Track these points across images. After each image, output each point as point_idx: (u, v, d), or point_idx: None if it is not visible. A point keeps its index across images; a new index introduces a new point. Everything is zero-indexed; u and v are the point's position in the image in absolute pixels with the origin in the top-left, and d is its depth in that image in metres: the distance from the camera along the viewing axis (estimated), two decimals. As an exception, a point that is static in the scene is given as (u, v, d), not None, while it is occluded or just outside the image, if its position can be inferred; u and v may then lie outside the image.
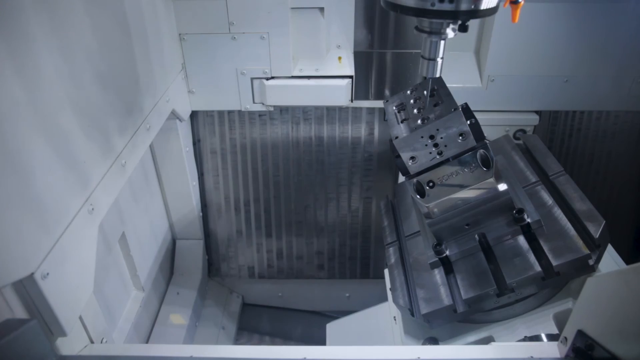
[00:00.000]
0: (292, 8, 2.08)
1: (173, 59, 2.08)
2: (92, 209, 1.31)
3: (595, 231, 1.33)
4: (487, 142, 1.42)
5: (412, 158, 1.46)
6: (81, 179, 1.28)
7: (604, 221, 1.36)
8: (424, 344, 1.48)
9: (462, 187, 1.39)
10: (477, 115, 1.52)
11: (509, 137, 1.86)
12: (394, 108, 1.66)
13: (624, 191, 2.60)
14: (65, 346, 1.20)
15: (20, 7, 1.07)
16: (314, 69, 2.20)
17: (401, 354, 1.25)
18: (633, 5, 2.05)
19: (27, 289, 1.07)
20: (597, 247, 1.33)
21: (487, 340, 1.43)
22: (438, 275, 1.48)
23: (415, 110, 1.58)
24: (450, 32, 1.31)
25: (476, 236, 1.44)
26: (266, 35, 2.09)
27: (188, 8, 2.04)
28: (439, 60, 1.38)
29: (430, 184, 1.43)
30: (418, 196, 1.43)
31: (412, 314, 1.47)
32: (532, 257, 1.35)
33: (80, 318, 1.27)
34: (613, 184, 2.59)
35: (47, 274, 1.08)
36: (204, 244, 2.73)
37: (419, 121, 1.52)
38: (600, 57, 2.15)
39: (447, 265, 1.47)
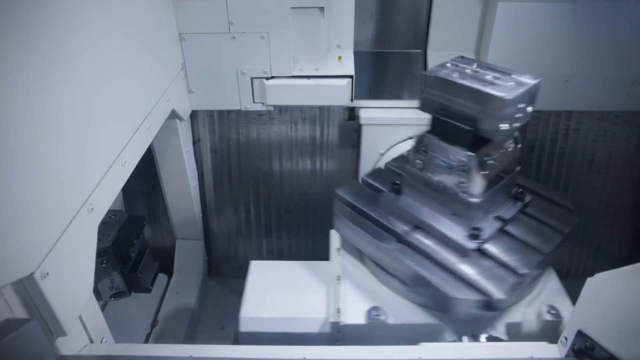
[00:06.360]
0: (292, 8, 2.07)
1: (173, 58, 2.08)
2: (92, 208, 1.31)
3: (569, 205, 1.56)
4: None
5: (506, 122, 1.34)
6: (81, 178, 1.28)
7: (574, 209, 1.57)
8: (369, 310, 1.46)
9: (501, 164, 1.49)
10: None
11: None
12: (456, 75, 1.48)
13: (624, 191, 2.60)
14: (65, 346, 1.20)
15: (20, 7, 1.07)
16: (314, 69, 2.20)
17: (402, 354, 1.25)
18: (633, 5, 2.05)
19: (27, 289, 1.06)
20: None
21: (435, 328, 1.43)
22: (477, 260, 1.45)
23: (488, 77, 1.40)
24: None
25: (495, 221, 1.53)
26: (266, 35, 2.09)
27: (188, 8, 2.04)
28: None
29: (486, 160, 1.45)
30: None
31: (488, 304, 1.36)
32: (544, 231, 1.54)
33: (80, 318, 1.27)
34: (613, 184, 2.59)
35: (47, 273, 1.08)
36: (204, 244, 2.73)
37: (511, 84, 1.36)
38: (600, 57, 2.15)
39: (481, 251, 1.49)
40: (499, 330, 1.42)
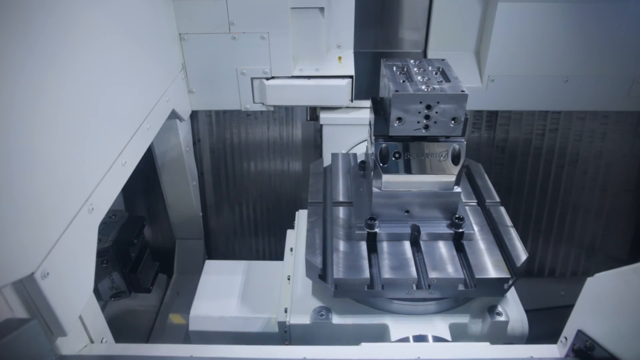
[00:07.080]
0: (292, 8, 2.08)
1: (173, 58, 2.08)
2: (92, 208, 1.31)
3: (518, 260, 1.39)
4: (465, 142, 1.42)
5: (399, 119, 1.37)
6: (81, 178, 1.28)
7: (527, 255, 1.41)
8: (315, 310, 1.46)
9: (423, 171, 1.42)
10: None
11: None
12: (394, 69, 1.56)
13: (623, 191, 2.60)
14: (65, 346, 1.20)
15: (20, 6, 1.07)
16: (314, 69, 2.20)
17: (401, 354, 1.25)
18: (633, 5, 2.05)
19: (27, 289, 1.06)
20: (514, 275, 1.38)
21: (380, 328, 1.43)
22: (360, 248, 1.46)
23: (419, 77, 1.47)
24: None
25: (409, 226, 1.47)
26: (266, 35, 2.09)
27: (188, 8, 2.04)
28: None
29: (397, 155, 1.41)
30: (381, 163, 1.41)
31: (321, 276, 1.43)
32: (457, 263, 1.39)
33: (80, 318, 1.27)
34: (613, 183, 2.59)
35: (47, 273, 1.08)
36: (204, 243, 2.74)
37: (423, 87, 1.40)
38: (600, 57, 2.15)
39: (371, 243, 1.47)
40: (443, 331, 1.40)
